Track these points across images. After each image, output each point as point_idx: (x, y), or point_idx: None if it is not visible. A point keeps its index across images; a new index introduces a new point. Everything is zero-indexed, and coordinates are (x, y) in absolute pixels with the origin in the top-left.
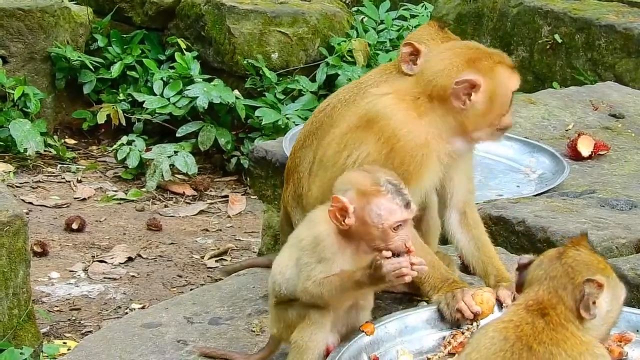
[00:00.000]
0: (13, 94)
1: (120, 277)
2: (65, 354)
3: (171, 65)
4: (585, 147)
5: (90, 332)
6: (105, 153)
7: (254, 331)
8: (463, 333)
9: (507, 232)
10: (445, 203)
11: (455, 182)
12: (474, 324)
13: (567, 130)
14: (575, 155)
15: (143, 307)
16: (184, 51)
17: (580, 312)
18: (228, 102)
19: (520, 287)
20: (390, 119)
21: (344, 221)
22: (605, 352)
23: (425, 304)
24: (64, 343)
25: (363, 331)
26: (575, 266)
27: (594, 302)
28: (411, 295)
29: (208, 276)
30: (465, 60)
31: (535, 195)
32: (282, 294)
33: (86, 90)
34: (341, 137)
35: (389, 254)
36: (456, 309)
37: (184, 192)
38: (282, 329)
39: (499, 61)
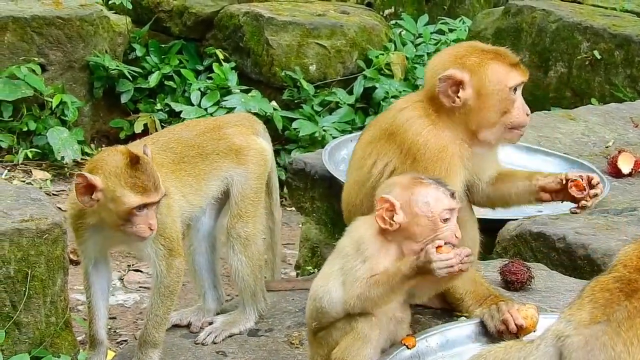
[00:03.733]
0: (51, 102)
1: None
2: None
3: (209, 75)
4: (625, 164)
5: (125, 341)
6: None
7: (293, 343)
8: None
9: (547, 248)
10: (479, 192)
11: (484, 176)
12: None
13: (607, 147)
14: (616, 172)
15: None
16: (222, 62)
17: None
18: (266, 113)
19: None
20: (407, 131)
21: (392, 220)
22: None
23: (465, 319)
24: None
25: (405, 344)
26: None
27: None
28: (450, 310)
29: None
30: (452, 57)
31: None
32: (324, 310)
33: (124, 99)
34: (367, 145)
35: (441, 242)
36: (501, 321)
37: None
38: (325, 355)
39: (491, 57)
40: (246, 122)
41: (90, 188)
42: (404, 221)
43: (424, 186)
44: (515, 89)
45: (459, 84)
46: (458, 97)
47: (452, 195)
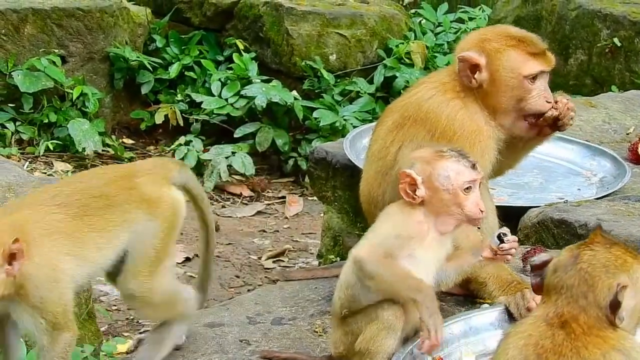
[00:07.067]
0: (72, 93)
1: (178, 277)
2: (122, 353)
3: (229, 66)
4: None
5: (147, 331)
6: (163, 153)
7: (316, 332)
8: None
9: (569, 235)
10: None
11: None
12: None
13: (627, 134)
14: (637, 159)
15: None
16: (242, 52)
17: (611, 319)
18: (286, 103)
19: (538, 288)
20: (440, 115)
21: (415, 194)
22: (637, 343)
23: (487, 305)
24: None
25: None
26: (592, 271)
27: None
28: (473, 297)
29: (265, 277)
30: (476, 40)
31: (596, 199)
32: (356, 298)
33: (144, 90)
34: (387, 134)
35: (431, 336)
36: (526, 309)
37: (241, 193)
38: (349, 344)
39: (512, 44)
40: (159, 169)
41: None
42: (426, 195)
43: (445, 160)
44: (533, 78)
45: (475, 67)
46: (474, 78)
47: (474, 166)
